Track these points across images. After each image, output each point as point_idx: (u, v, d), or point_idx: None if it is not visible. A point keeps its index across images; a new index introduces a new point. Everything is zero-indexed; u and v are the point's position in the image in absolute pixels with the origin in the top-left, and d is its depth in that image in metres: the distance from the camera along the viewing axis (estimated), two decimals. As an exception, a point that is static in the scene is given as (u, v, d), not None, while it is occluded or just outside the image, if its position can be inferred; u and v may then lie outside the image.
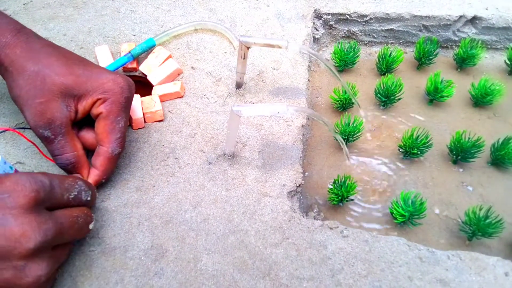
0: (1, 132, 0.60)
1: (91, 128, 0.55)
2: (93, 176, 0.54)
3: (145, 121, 0.63)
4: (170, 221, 0.53)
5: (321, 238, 0.51)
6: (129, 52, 0.68)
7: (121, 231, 0.52)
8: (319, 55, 0.61)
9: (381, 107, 0.74)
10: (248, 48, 0.60)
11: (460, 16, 0.79)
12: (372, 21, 0.80)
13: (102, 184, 0.56)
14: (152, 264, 0.49)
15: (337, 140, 0.58)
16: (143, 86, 0.71)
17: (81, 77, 0.51)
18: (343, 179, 0.59)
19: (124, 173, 0.57)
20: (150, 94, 0.67)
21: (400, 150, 0.66)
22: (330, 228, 0.52)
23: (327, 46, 0.84)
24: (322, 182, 0.64)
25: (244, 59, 0.61)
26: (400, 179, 0.65)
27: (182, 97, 0.67)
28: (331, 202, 0.60)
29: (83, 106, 0.52)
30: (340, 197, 0.59)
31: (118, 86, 0.52)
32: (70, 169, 0.53)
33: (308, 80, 0.72)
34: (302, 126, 0.63)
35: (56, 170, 0.57)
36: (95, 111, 0.52)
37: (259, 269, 0.49)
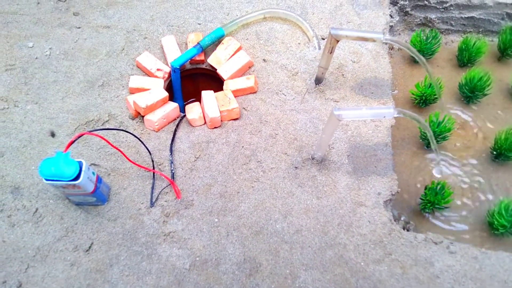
0: (78, 138, 0.56)
1: None
2: None
3: (221, 120, 0.59)
4: (260, 232, 0.50)
5: (426, 255, 0.48)
6: (198, 43, 0.63)
7: (210, 241, 0.49)
8: (414, 50, 0.55)
9: (465, 102, 0.68)
10: (337, 41, 0.55)
11: (550, 2, 0.72)
12: (452, 8, 0.74)
13: (183, 189, 0.52)
14: (246, 280, 0.46)
15: (434, 151, 0.54)
16: (211, 79, 0.67)
17: None
18: (438, 185, 0.55)
19: (205, 177, 0.54)
20: (220, 88, 0.63)
21: (494, 153, 0.61)
22: (435, 243, 0.49)
23: (399, 34, 0.78)
24: (407, 187, 0.60)
25: (331, 53, 0.56)
26: (491, 182, 0.60)
27: (255, 92, 0.62)
28: (424, 210, 0.56)
29: None
30: (434, 204, 0.54)
31: None
32: None
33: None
34: (391, 126, 0.59)
35: (133, 172, 0.54)
36: None
37: None
